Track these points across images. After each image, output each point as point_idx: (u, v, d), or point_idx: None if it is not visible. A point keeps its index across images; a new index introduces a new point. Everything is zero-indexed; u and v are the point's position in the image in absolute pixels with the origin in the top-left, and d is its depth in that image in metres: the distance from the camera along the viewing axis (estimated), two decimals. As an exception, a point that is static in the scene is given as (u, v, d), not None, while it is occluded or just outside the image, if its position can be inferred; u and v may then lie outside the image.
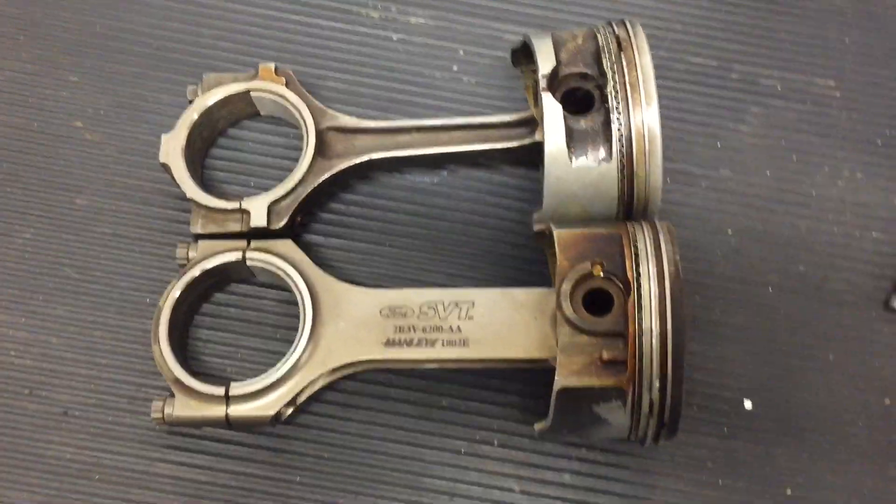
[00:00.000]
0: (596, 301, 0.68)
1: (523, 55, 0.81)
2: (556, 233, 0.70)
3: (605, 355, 0.65)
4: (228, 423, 0.72)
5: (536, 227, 0.75)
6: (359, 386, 0.77)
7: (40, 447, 0.76)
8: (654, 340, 0.65)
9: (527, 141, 0.77)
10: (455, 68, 0.88)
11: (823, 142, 0.87)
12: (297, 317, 0.75)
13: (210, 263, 0.75)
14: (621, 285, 0.68)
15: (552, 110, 0.71)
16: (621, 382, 0.65)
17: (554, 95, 0.72)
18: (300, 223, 0.79)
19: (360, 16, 0.89)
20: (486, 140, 0.78)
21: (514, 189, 0.84)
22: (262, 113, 0.83)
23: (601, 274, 0.68)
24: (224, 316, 0.79)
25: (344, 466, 0.75)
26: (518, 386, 0.78)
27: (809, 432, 0.78)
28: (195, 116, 0.79)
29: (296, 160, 0.79)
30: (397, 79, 0.87)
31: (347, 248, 0.81)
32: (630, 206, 0.73)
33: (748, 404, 0.79)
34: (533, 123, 0.78)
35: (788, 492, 0.76)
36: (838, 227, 0.85)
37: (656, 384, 0.65)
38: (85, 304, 0.79)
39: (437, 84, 0.87)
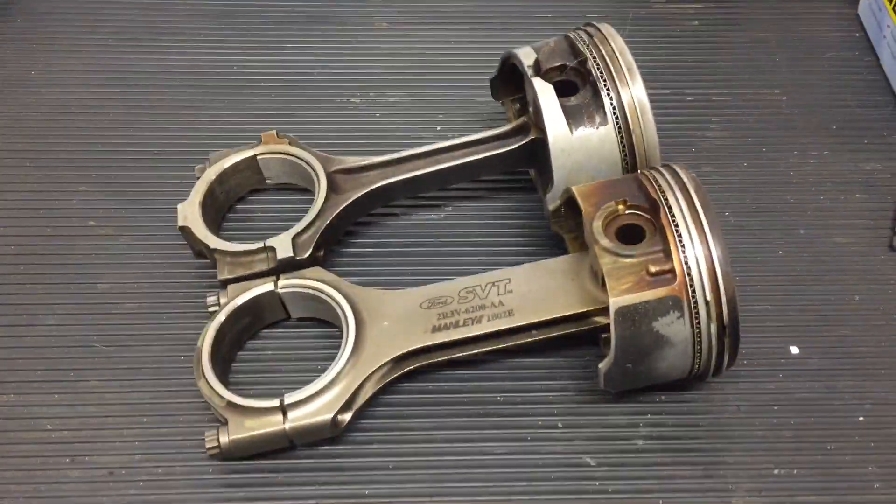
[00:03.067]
0: (627, 237, 0.70)
1: (502, 86, 0.89)
2: (575, 188, 0.73)
3: (652, 269, 0.67)
4: (287, 437, 0.69)
5: (552, 206, 0.78)
6: (412, 397, 0.75)
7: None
8: (695, 242, 0.67)
9: (524, 141, 0.82)
10: (439, 128, 0.95)
11: (786, 133, 0.95)
12: (336, 350, 0.74)
13: (244, 298, 0.75)
14: (648, 216, 0.71)
15: (545, 90, 0.77)
16: (674, 290, 0.66)
17: (541, 84, 0.79)
18: (322, 258, 0.81)
19: (343, 103, 0.97)
20: (485, 150, 0.83)
21: (517, 211, 0.88)
22: (268, 180, 0.87)
23: (626, 210, 0.71)
24: (261, 359, 0.78)
25: (413, 474, 0.72)
26: (568, 370, 0.77)
27: (864, 362, 0.78)
28: (213, 176, 0.82)
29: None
30: (388, 143, 0.92)
31: (370, 283, 0.82)
32: (634, 169, 0.78)
33: (794, 350, 0.79)
34: (525, 129, 0.83)
35: (861, 419, 0.75)
36: (823, 195, 0.90)
37: (707, 283, 0.66)
38: (120, 370, 0.77)
39: (425, 142, 0.93)
